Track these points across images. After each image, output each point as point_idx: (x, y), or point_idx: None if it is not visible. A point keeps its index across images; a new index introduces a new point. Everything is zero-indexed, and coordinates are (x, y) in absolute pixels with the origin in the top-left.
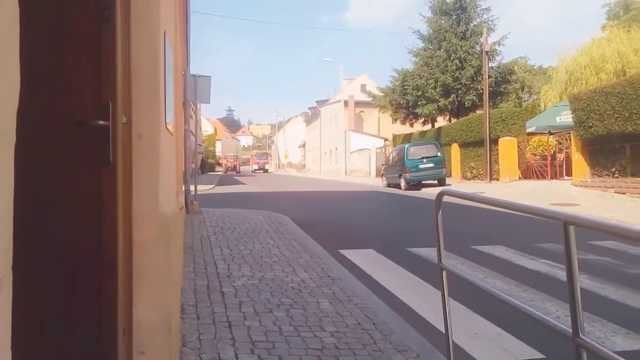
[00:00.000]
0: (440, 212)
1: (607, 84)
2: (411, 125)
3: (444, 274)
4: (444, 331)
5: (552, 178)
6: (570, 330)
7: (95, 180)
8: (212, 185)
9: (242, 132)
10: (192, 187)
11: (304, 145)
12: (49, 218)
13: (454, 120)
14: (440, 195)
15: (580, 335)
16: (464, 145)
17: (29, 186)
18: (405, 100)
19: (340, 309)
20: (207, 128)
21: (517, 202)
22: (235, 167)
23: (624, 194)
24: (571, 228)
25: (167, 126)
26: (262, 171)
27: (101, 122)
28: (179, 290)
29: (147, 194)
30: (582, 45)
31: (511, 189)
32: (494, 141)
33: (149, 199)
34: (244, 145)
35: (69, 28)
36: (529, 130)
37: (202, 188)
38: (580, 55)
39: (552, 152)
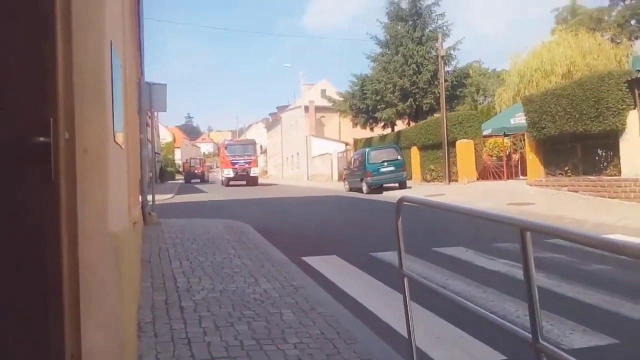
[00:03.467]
0: (400, 219)
1: (557, 86)
2: (371, 129)
3: (406, 280)
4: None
5: (508, 178)
6: (530, 336)
7: (36, 199)
8: (172, 195)
9: (202, 139)
10: (150, 197)
11: (265, 151)
12: None
13: (412, 124)
14: (400, 202)
15: (540, 341)
16: (423, 148)
17: None
18: (364, 105)
19: (303, 318)
20: (165, 136)
21: (475, 208)
22: (201, 173)
23: (576, 191)
24: (528, 234)
25: (116, 139)
26: (244, 181)
27: (42, 139)
28: (135, 309)
29: (93, 211)
30: (533, 48)
31: (470, 190)
32: (452, 144)
33: (95, 216)
34: (204, 152)
35: (6, 43)
36: (485, 132)
37: (161, 198)
38: (532, 59)
39: (507, 153)
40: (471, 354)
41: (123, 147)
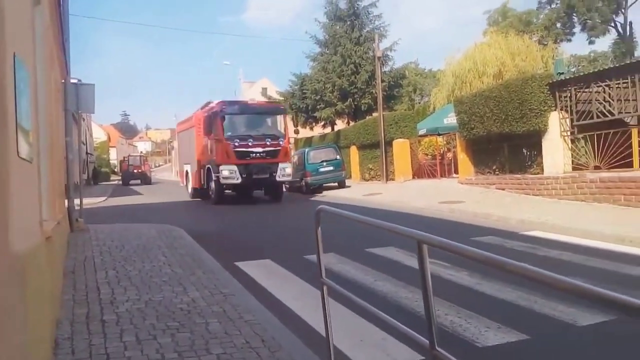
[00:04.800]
0: (319, 229)
1: (486, 88)
2: (311, 128)
3: (325, 288)
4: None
5: (442, 176)
6: (428, 342)
7: None
8: (104, 198)
9: (140, 137)
10: (78, 202)
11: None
12: None
13: (352, 123)
14: (319, 212)
15: (436, 348)
16: (362, 147)
17: None
18: (304, 104)
19: (229, 328)
20: (99, 135)
21: (381, 221)
22: (142, 174)
23: (503, 189)
24: (424, 247)
25: (20, 154)
26: (260, 188)
27: None
28: (52, 326)
29: None
30: (466, 49)
31: (405, 188)
32: (389, 143)
33: None
34: (142, 152)
35: None
36: (420, 132)
37: (93, 201)
38: (465, 60)
39: (441, 152)
40: (392, 356)
41: (33, 160)
